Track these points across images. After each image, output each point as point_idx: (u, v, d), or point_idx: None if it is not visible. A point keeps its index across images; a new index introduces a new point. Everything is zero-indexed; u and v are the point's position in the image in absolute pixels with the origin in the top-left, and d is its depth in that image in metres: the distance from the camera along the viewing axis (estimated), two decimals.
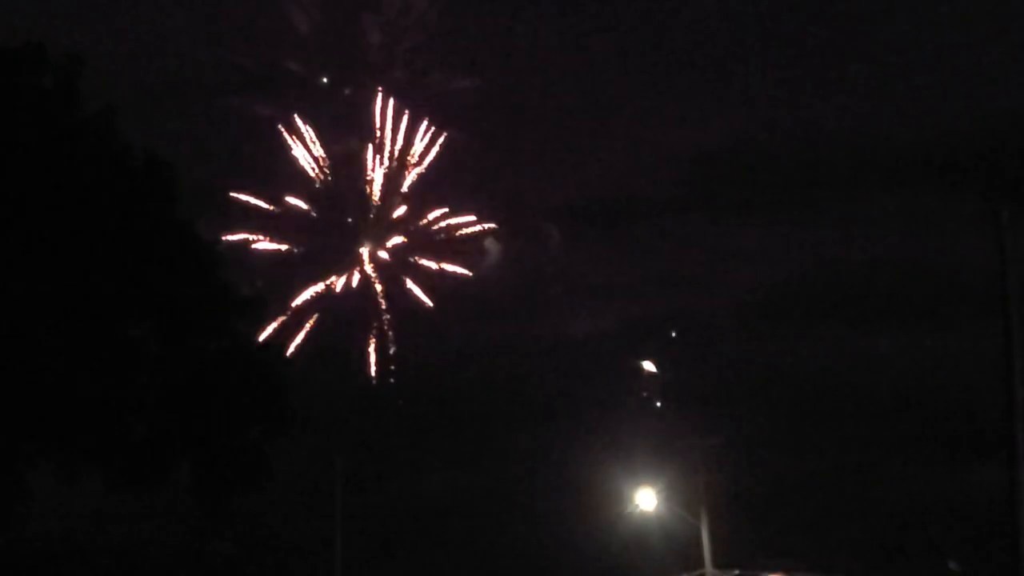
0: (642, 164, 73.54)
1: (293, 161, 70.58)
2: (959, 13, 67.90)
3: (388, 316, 70.71)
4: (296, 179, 70.99)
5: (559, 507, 59.19)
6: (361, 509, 58.42)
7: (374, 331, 70.69)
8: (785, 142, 72.70)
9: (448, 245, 71.24)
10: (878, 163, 68.39)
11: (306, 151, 70.67)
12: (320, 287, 70.52)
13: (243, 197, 69.85)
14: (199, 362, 32.17)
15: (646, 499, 47.77)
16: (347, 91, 71.59)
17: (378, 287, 71.05)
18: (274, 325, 67.73)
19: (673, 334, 53.56)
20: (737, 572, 48.32)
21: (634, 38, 75.54)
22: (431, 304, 70.35)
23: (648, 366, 51.47)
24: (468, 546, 60.59)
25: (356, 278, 70.94)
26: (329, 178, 71.34)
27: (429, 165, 71.27)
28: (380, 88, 71.12)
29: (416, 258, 71.15)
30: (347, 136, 71.80)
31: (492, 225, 70.94)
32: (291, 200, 70.75)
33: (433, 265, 70.90)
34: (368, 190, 71.40)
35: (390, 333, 70.60)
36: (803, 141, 71.87)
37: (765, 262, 70.88)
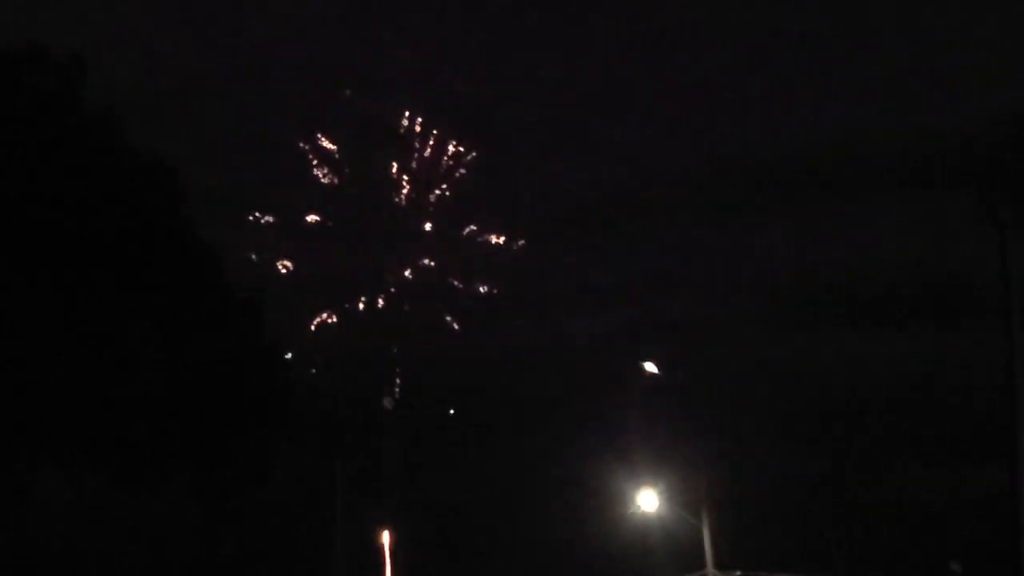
0: (642, 165, 73.53)
1: (314, 179, 70.14)
2: (958, 13, 67.92)
3: (412, 338, 70.15)
4: (317, 195, 70.53)
5: (561, 508, 59.21)
6: (363, 510, 58.49)
7: (397, 353, 70.20)
8: (785, 142, 72.70)
9: (476, 262, 70.89)
10: (878, 163, 68.38)
11: (328, 167, 70.25)
12: (343, 307, 70.11)
13: (265, 218, 69.31)
14: (200, 362, 32.21)
15: (648, 500, 47.74)
16: (351, 93, 71.17)
17: (404, 307, 70.59)
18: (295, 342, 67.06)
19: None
20: (739, 573, 48.34)
21: (635, 40, 75.55)
22: (457, 327, 70.04)
23: (649, 367, 51.40)
24: (470, 547, 60.60)
25: (381, 297, 70.53)
26: (347, 190, 70.97)
27: (455, 182, 70.94)
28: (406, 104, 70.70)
29: (444, 279, 70.80)
30: (371, 152, 71.29)
31: (522, 242, 70.71)
32: (312, 218, 70.16)
33: (460, 285, 70.61)
34: (393, 208, 71.00)
35: (413, 356, 69.99)
36: (802, 142, 71.86)
37: (765, 263, 70.87)
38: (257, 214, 69.04)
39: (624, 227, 71.99)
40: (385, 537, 60.22)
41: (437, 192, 70.88)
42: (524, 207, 71.41)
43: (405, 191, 70.93)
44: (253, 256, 68.12)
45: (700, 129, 73.33)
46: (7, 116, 30.89)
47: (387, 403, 66.71)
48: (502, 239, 70.29)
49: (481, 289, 70.35)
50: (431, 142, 70.77)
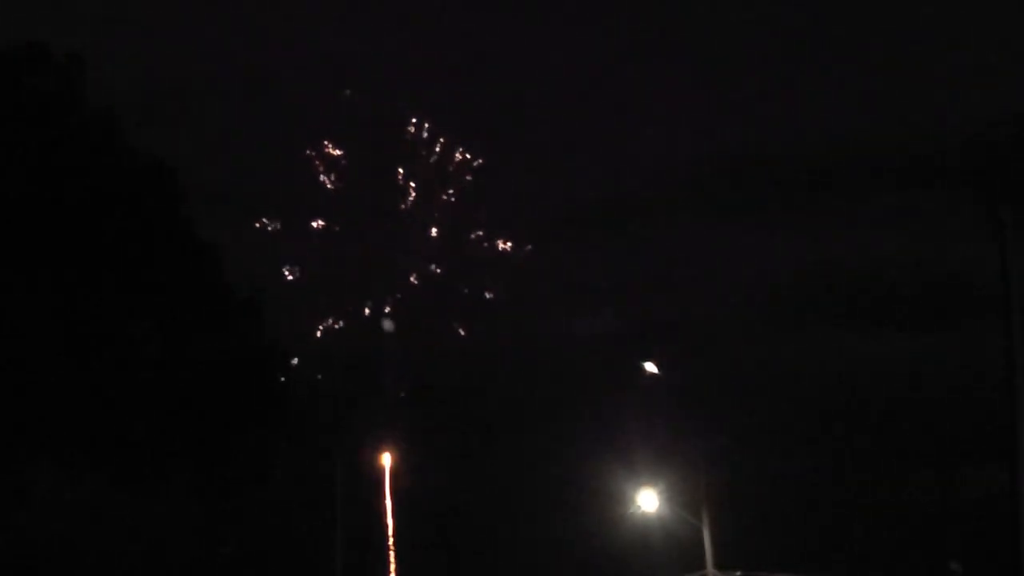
0: (642, 165, 73.56)
1: (320, 184, 70.05)
2: (958, 13, 67.97)
3: (416, 341, 70.05)
4: (323, 199, 70.43)
5: (560, 508, 59.19)
6: (362, 509, 58.50)
7: (400, 355, 70.11)
8: (785, 143, 72.75)
9: (482, 266, 70.90)
10: (878, 164, 68.44)
11: (334, 173, 70.16)
12: (348, 311, 70.06)
13: (273, 224, 69.21)
14: (200, 362, 32.22)
15: (648, 500, 47.71)
16: (351, 94, 71.01)
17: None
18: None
19: None
20: (739, 573, 48.32)
21: (634, 40, 75.61)
22: (463, 332, 70.05)
23: (649, 367, 51.33)
24: (470, 547, 60.61)
25: (387, 303, 70.46)
26: (353, 194, 70.90)
27: (461, 189, 70.90)
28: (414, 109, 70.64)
29: (450, 284, 70.76)
30: (377, 157, 71.24)
31: (529, 247, 70.74)
32: (317, 222, 70.00)
33: (467, 291, 70.59)
34: (399, 213, 70.94)
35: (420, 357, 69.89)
36: (803, 142, 71.89)
37: (765, 263, 70.90)
38: (264, 220, 69.05)
39: (624, 227, 72.07)
40: (386, 460, 60.48)
41: (443, 197, 70.90)
42: (524, 207, 71.47)
43: (412, 197, 70.95)
44: (258, 260, 68.07)
45: (700, 129, 73.40)
46: (7, 116, 30.92)
47: (387, 325, 66.45)
48: (508, 245, 70.33)
49: (487, 295, 70.37)
50: (437, 148, 70.79)
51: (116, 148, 32.10)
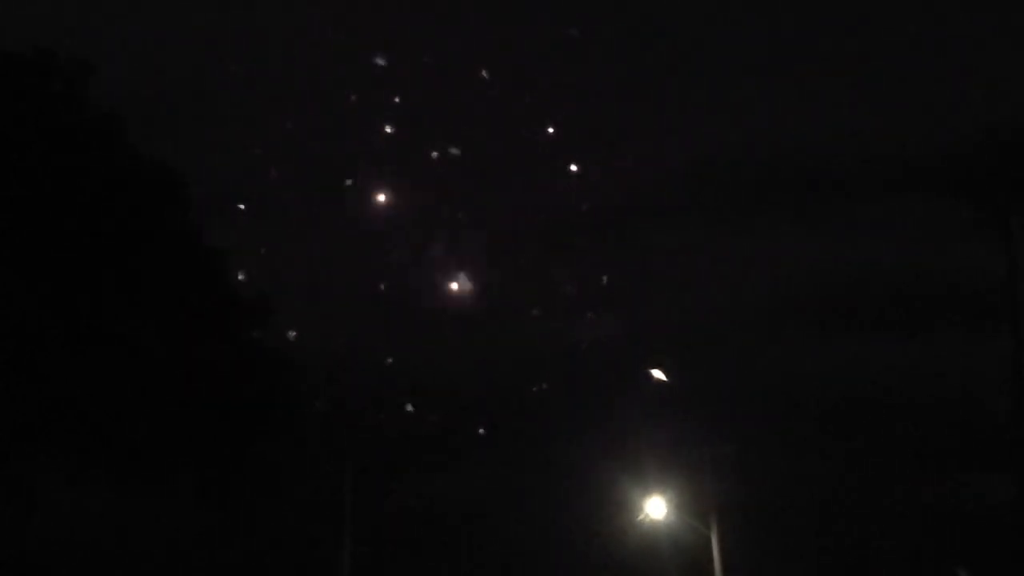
0: (640, 171, 73.43)
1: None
2: (961, 15, 67.84)
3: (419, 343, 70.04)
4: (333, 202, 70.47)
5: (567, 515, 59.07)
6: (370, 512, 58.41)
7: (402, 357, 70.06)
8: (785, 147, 72.48)
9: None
10: (880, 168, 68.23)
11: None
12: (357, 313, 70.07)
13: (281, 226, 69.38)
14: (204, 365, 32.27)
15: (656, 507, 47.64)
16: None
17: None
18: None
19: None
20: None
21: (630, 43, 75.52)
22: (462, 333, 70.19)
23: (657, 373, 51.33)
24: (474, 553, 60.51)
25: (390, 305, 70.50)
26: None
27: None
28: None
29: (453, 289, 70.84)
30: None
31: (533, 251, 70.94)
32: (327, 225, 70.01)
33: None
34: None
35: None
36: (803, 146, 71.66)
37: (768, 269, 70.69)
38: (274, 224, 69.13)
39: (626, 231, 71.97)
40: None
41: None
42: (524, 209, 71.45)
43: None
44: (264, 253, 68.16)
45: (697, 133, 73.26)
46: (12, 119, 31.05)
47: None
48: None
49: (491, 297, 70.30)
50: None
51: (122, 153, 32.20)
